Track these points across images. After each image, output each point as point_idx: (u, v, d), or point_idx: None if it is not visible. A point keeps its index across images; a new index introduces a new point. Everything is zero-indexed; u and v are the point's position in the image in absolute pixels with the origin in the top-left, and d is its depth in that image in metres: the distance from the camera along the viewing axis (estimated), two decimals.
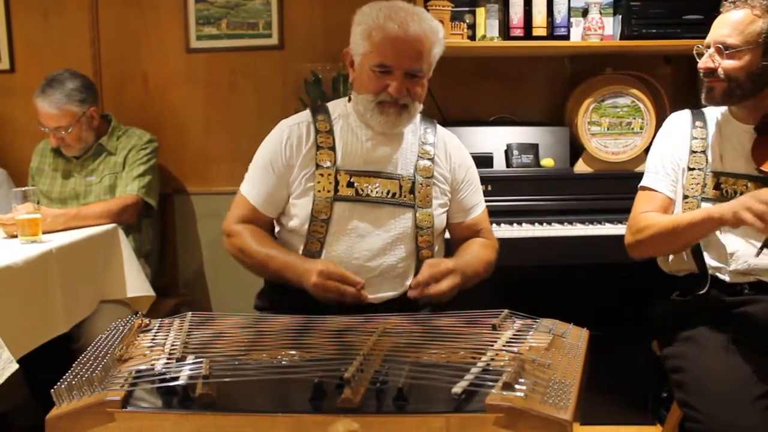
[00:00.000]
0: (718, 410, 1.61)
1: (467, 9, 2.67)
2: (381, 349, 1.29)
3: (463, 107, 2.98)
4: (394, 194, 1.84)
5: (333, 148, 1.84)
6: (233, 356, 1.27)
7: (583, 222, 2.54)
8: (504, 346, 1.32)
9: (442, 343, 1.35)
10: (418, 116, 1.91)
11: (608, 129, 2.70)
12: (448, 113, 2.93)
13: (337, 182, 1.82)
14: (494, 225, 2.44)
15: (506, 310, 1.54)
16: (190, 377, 1.15)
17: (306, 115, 1.92)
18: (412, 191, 1.85)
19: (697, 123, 1.94)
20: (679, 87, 2.91)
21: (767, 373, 1.68)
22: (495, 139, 2.72)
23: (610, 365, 2.46)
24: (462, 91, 2.99)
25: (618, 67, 2.78)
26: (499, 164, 2.69)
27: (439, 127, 1.98)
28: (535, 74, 3.01)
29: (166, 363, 1.23)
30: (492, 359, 1.24)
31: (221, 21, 3.08)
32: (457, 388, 1.09)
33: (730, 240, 1.81)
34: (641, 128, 2.69)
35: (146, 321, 1.52)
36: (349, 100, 1.89)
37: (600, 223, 2.52)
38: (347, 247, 1.81)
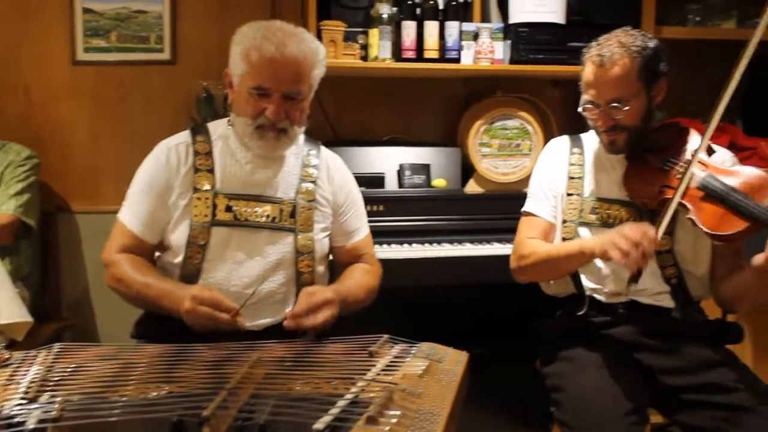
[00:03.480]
0: (590, 428, 1.66)
1: (360, 30, 2.65)
2: (252, 381, 1.26)
3: (356, 127, 2.98)
4: (274, 218, 1.79)
5: (212, 171, 1.79)
6: (94, 393, 1.21)
7: (473, 242, 2.58)
8: (378, 374, 1.31)
9: (315, 372, 1.32)
10: (302, 138, 1.88)
11: (498, 150, 2.76)
12: (342, 132, 2.92)
13: (215, 206, 1.76)
14: (385, 245, 2.46)
15: (386, 336, 1.53)
16: (40, 420, 1.08)
17: (185, 135, 1.86)
18: (293, 215, 1.81)
19: (575, 150, 1.99)
20: (566, 110, 2.98)
21: (637, 390, 1.75)
22: (388, 159, 2.73)
23: (500, 383, 2.50)
24: (356, 111, 2.99)
25: (510, 90, 2.85)
26: (391, 184, 2.70)
27: (323, 148, 1.95)
28: (429, 95, 3.05)
29: (18, 404, 1.15)
30: (362, 390, 1.22)
31: (110, 33, 2.97)
32: (320, 424, 1.07)
33: (604, 263, 1.88)
34: (530, 150, 2.77)
35: (6, 355, 1.42)
36: (229, 121, 1.84)
37: (489, 242, 2.57)
38: (225, 274, 1.75)
